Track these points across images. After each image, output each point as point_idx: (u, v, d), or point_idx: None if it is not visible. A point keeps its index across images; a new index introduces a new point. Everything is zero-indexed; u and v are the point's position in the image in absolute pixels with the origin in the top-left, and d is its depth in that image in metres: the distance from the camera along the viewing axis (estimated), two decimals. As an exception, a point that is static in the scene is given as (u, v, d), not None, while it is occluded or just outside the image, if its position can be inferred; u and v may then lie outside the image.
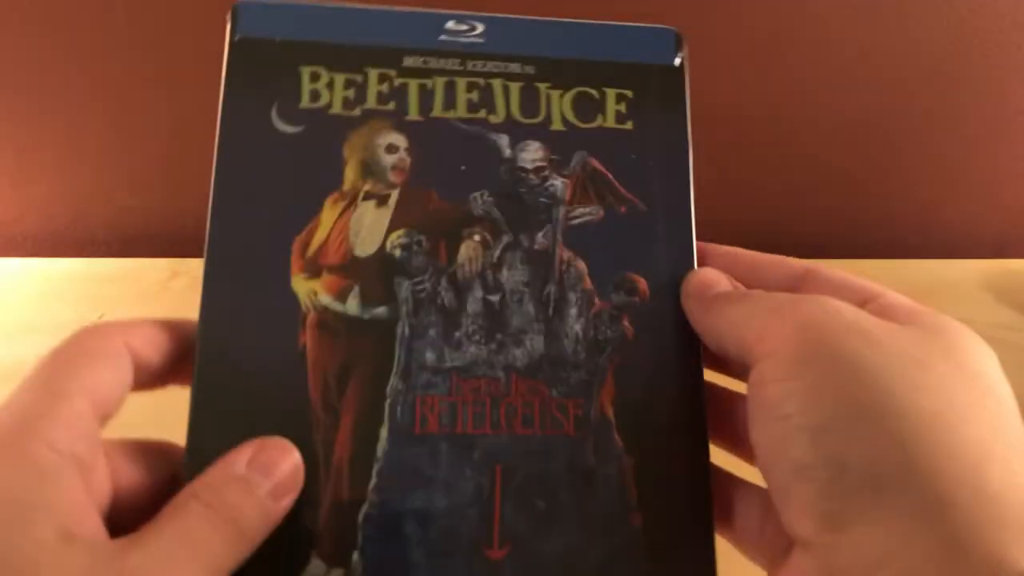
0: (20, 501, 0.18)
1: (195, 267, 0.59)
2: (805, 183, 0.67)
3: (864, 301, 0.23)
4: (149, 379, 0.23)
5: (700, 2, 0.57)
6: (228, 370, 0.23)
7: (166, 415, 0.23)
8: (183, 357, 0.23)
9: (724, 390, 0.26)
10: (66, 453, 0.19)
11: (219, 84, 0.25)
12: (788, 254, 0.73)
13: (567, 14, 0.27)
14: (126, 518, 0.20)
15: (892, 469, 0.18)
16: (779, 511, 0.20)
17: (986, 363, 0.21)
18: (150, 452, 0.22)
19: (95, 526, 0.19)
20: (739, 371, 0.24)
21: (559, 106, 0.26)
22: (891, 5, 0.58)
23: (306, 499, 0.22)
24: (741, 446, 0.25)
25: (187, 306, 0.25)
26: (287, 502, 0.21)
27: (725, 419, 0.25)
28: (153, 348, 0.22)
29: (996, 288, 0.61)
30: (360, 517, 0.22)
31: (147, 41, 0.56)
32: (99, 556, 0.18)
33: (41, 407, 0.19)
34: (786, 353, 0.20)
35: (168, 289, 0.56)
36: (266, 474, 0.21)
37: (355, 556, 0.22)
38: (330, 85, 0.26)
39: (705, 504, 0.24)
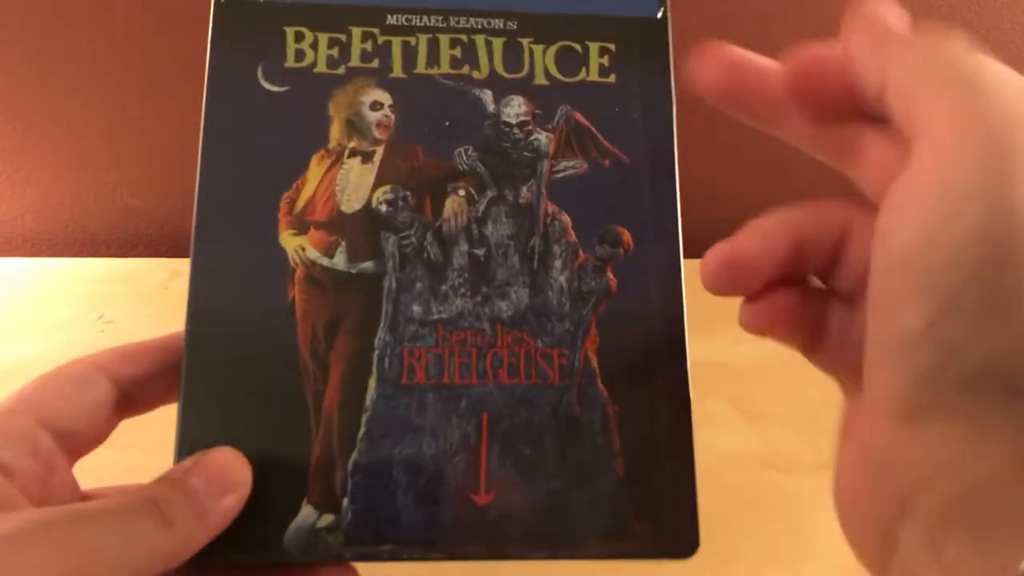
0: None
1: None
2: (804, 182, 0.67)
3: None
4: (143, 396, 0.24)
5: None
6: (219, 324, 0.24)
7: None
8: (173, 369, 0.24)
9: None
10: None
11: (205, 46, 0.26)
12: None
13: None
14: None
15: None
16: (865, 359, 0.18)
17: None
18: None
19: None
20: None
21: (542, 60, 0.27)
22: (891, 5, 0.58)
23: (297, 449, 0.23)
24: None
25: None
26: (227, 502, 0.22)
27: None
28: (128, 363, 0.24)
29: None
30: (350, 465, 0.24)
31: (147, 41, 0.56)
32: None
33: None
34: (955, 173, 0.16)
35: (168, 289, 0.56)
36: (198, 474, 0.22)
37: (345, 502, 0.23)
38: (314, 44, 0.27)
39: (687, 454, 0.25)
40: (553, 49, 0.27)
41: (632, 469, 0.24)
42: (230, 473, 0.22)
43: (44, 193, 0.61)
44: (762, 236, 0.22)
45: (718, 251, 0.22)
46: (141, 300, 0.56)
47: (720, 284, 0.22)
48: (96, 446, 0.24)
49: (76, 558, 0.18)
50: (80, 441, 0.23)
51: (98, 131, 0.59)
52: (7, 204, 0.61)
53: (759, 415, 0.47)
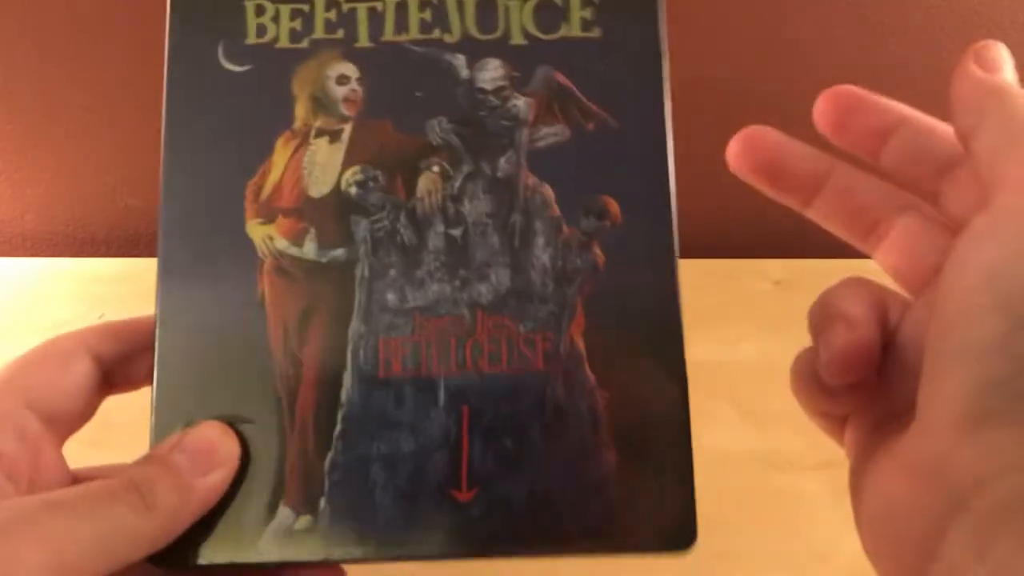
0: None
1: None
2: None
3: None
4: (125, 374, 0.24)
5: None
6: (189, 323, 0.23)
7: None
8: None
9: None
10: None
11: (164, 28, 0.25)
12: (784, 251, 0.73)
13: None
14: None
15: None
16: (923, 377, 0.19)
17: None
18: None
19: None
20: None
21: (519, 17, 0.25)
22: (893, 4, 0.58)
23: (272, 450, 0.23)
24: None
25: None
26: (214, 478, 0.22)
27: None
28: (112, 339, 0.24)
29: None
30: (326, 464, 0.23)
31: (147, 41, 0.56)
32: None
33: None
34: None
35: (168, 289, 0.56)
36: (183, 451, 0.21)
37: (322, 502, 0.23)
38: (276, 17, 0.25)
39: (684, 440, 0.23)
40: (531, 4, 0.25)
41: (625, 459, 0.23)
42: (217, 448, 0.22)
43: (44, 193, 0.61)
44: (863, 323, 0.21)
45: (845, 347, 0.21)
46: (141, 300, 0.56)
47: (845, 376, 0.21)
48: (82, 424, 0.23)
49: (53, 549, 0.18)
50: (67, 422, 0.23)
51: (98, 131, 0.59)
52: (7, 204, 0.61)
53: (759, 415, 0.47)
